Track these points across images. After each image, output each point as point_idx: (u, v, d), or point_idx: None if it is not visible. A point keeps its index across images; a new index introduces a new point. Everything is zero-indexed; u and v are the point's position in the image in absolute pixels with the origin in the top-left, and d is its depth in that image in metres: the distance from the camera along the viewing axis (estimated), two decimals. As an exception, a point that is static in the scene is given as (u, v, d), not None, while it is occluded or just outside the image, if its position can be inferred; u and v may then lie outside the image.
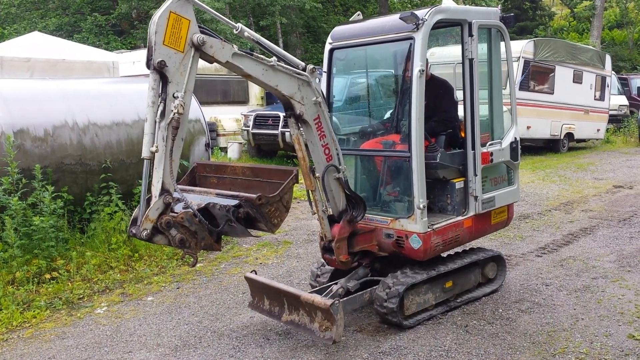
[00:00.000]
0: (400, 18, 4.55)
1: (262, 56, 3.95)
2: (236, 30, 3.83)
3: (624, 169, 13.38)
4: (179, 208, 3.68)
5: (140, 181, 7.13)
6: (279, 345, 4.51)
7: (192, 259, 3.70)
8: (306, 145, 4.37)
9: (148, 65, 3.45)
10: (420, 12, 4.54)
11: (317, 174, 4.40)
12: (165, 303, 5.52)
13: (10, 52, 11.69)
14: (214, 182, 4.62)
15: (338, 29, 5.34)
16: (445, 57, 5.50)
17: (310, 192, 4.48)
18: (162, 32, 3.43)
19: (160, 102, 3.45)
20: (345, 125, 5.82)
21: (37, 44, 12.53)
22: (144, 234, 3.45)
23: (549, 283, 5.74)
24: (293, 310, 4.50)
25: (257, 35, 4.00)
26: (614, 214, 8.75)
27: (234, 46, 3.75)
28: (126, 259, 6.53)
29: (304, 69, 4.18)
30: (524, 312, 5.02)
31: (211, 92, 15.09)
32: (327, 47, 5.34)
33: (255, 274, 4.95)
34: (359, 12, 5.52)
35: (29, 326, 5.07)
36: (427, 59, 4.81)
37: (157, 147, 3.42)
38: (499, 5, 5.45)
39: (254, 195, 3.67)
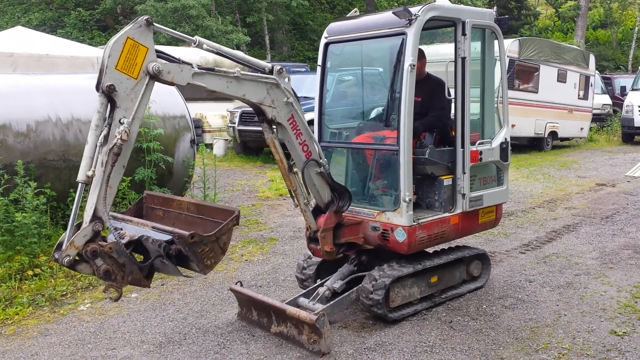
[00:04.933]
0: (393, 13, 4.60)
1: (224, 69, 3.85)
2: (194, 44, 3.70)
3: (606, 167, 13.53)
4: (111, 238, 3.42)
5: (123, 177, 7.11)
6: (264, 341, 4.50)
7: (116, 294, 3.38)
8: (283, 146, 4.34)
9: (97, 88, 3.32)
10: (413, 9, 4.58)
11: (295, 169, 4.42)
12: (149, 300, 5.49)
13: (-7, 47, 11.52)
14: (159, 215, 4.40)
15: (334, 24, 5.38)
16: (432, 55, 5.51)
17: (292, 190, 4.50)
18: (116, 57, 3.31)
19: (105, 126, 3.31)
20: (338, 119, 5.83)
21: (20, 39, 12.35)
22: (66, 260, 3.20)
23: (532, 279, 5.79)
24: (281, 322, 4.52)
25: (216, 45, 3.89)
26: (597, 211, 8.85)
27: (194, 65, 3.63)
28: (110, 256, 6.47)
29: (271, 71, 4.09)
30: (508, 308, 5.06)
31: (197, 88, 15.03)
32: (323, 41, 5.36)
33: (241, 285, 4.95)
34: (355, 9, 5.57)
35: (11, 323, 5.02)
36: (424, 56, 4.84)
37: (94, 171, 3.27)
38: (494, 7, 5.50)
39: (187, 233, 3.42)
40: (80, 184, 3.32)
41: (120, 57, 3.33)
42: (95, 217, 3.28)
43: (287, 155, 4.41)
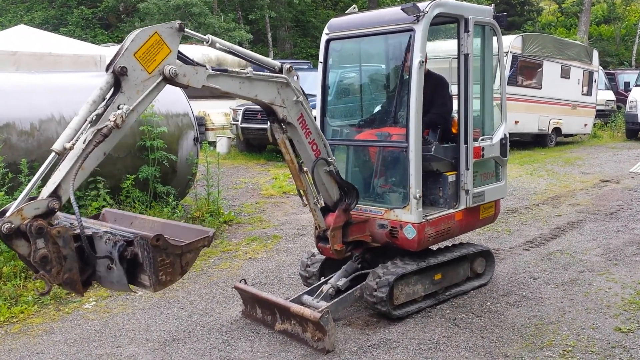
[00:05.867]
0: (401, 9, 4.60)
1: (236, 70, 3.82)
2: (206, 43, 3.68)
3: (610, 163, 13.50)
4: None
5: (127, 176, 7.13)
6: (269, 339, 4.51)
7: (45, 287, 2.95)
8: (292, 146, 4.34)
9: (107, 68, 3.21)
10: (421, 5, 4.58)
11: (305, 168, 4.41)
12: (154, 298, 5.50)
13: (-4, 46, 11.54)
14: None
15: (335, 20, 5.35)
16: (433, 52, 5.51)
17: (302, 190, 4.50)
18: (138, 44, 3.24)
19: (102, 107, 3.14)
20: (340, 116, 5.83)
21: (23, 38, 12.38)
22: (6, 227, 2.80)
23: (536, 276, 5.78)
24: (285, 320, 4.53)
25: (228, 44, 3.88)
26: (601, 208, 8.83)
27: (208, 67, 3.60)
28: (114, 254, 6.48)
29: (281, 70, 4.08)
30: (512, 305, 5.06)
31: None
32: (324, 37, 5.34)
33: (245, 282, 4.96)
34: (354, 6, 5.54)
35: (17, 321, 5.03)
36: (426, 53, 4.84)
37: (73, 144, 3.02)
38: (493, 5, 5.50)
39: (152, 235, 2.99)
40: (52, 154, 3.03)
41: (143, 46, 3.27)
42: (55, 195, 2.97)
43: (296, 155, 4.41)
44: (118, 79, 3.20)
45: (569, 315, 4.84)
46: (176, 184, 8.01)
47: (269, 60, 4.16)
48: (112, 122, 3.07)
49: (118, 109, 3.14)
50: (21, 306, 5.25)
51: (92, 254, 3.00)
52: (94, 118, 3.10)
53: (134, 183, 7.18)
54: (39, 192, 3.03)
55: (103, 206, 6.72)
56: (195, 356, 4.29)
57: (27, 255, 2.90)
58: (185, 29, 3.48)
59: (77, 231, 2.94)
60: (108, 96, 3.21)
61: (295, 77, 4.15)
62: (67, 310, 5.26)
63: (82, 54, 12.38)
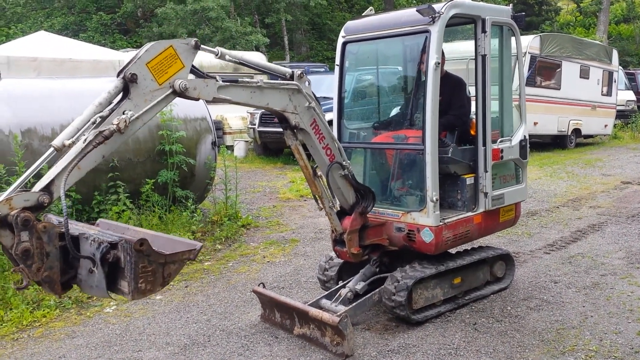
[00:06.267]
0: (417, 11, 4.59)
1: (246, 79, 3.81)
2: (216, 55, 3.68)
3: (632, 164, 13.32)
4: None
5: (147, 180, 7.20)
6: (288, 343, 4.51)
7: (24, 281, 2.86)
8: (306, 151, 4.33)
9: (119, 74, 3.23)
10: (436, 6, 4.56)
11: (319, 173, 4.42)
12: (173, 302, 5.54)
13: (17, 52, 11.74)
14: None
15: (351, 23, 5.35)
16: (450, 53, 5.48)
17: (317, 196, 4.50)
18: (151, 55, 3.26)
19: (108, 110, 3.14)
20: (357, 119, 5.82)
21: (44, 44, 12.57)
22: None
23: (557, 280, 5.72)
24: (304, 324, 4.53)
25: (238, 55, 3.88)
26: (623, 210, 8.71)
27: (218, 79, 3.59)
28: (134, 258, 6.54)
29: (292, 77, 4.06)
30: (533, 310, 5.01)
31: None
32: (340, 40, 5.34)
33: (264, 286, 4.97)
34: (371, 8, 5.53)
35: (39, 325, 5.10)
36: (444, 55, 4.83)
37: (73, 142, 3.00)
38: (511, 5, 5.47)
39: (136, 239, 2.90)
40: (50, 149, 3.03)
41: (156, 57, 3.29)
42: (47, 190, 2.93)
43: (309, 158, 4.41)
44: (127, 85, 3.21)
45: (591, 320, 4.78)
46: (195, 188, 8.06)
47: (280, 67, 4.17)
48: (115, 126, 3.06)
49: (123, 114, 3.13)
50: (43, 310, 5.31)
51: (74, 252, 2.91)
52: (97, 120, 3.09)
53: (153, 187, 7.24)
54: (33, 185, 3.00)
55: (123, 210, 6.79)
56: (215, 360, 4.31)
57: (10, 247, 2.82)
58: (202, 46, 3.48)
59: (64, 230, 2.86)
60: (115, 101, 3.22)
61: (306, 83, 4.12)
62: (88, 314, 5.32)
63: (101, 59, 12.55)
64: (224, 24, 22.49)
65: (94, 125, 3.08)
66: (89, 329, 4.99)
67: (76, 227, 3.12)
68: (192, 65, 3.49)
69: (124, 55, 13.94)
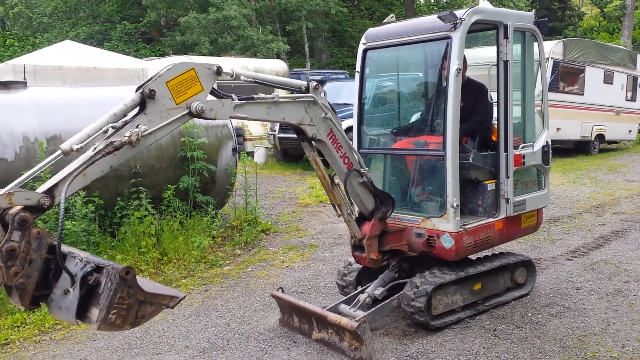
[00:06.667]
0: (438, 17, 4.59)
1: (262, 95, 3.82)
2: (231, 77, 3.68)
3: (657, 170, 13.09)
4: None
5: (169, 186, 7.28)
6: (306, 348, 4.52)
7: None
8: (324, 161, 4.35)
9: (138, 89, 3.24)
10: (458, 12, 4.56)
11: (337, 181, 4.45)
12: (193, 305, 5.59)
13: (43, 61, 11.99)
14: None
15: (372, 30, 5.38)
16: (472, 59, 5.47)
17: (336, 205, 4.52)
18: (172, 74, 3.30)
19: (121, 122, 3.14)
20: (377, 125, 5.83)
21: (69, 52, 12.82)
22: None
23: (579, 287, 5.65)
24: (322, 329, 4.54)
25: (252, 74, 3.89)
26: (647, 216, 8.56)
27: (234, 98, 3.62)
28: (155, 262, 6.62)
29: (307, 89, 4.07)
30: (554, 316, 4.95)
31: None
32: (361, 47, 5.37)
33: (282, 291, 4.99)
34: (392, 15, 5.56)
35: (61, 328, 5.18)
36: (465, 61, 4.82)
37: (81, 147, 2.98)
38: (533, 10, 5.45)
39: (122, 266, 2.77)
40: (58, 152, 3.01)
41: (177, 77, 3.32)
42: (50, 193, 2.89)
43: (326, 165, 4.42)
44: (144, 100, 3.22)
45: (614, 327, 4.70)
46: (215, 193, 8.13)
47: (294, 81, 4.18)
48: (127, 138, 3.06)
49: (136, 127, 3.14)
50: (66, 313, 5.39)
51: (62, 262, 2.77)
52: (109, 130, 3.10)
53: (174, 193, 7.32)
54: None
55: (145, 216, 6.87)
56: (234, 364, 4.34)
57: None
58: (223, 72, 3.51)
59: (55, 242, 2.78)
60: (130, 114, 3.22)
61: (322, 94, 4.13)
62: (110, 317, 5.38)
63: (126, 67, 12.76)
64: (245, 32, 22.68)
65: (106, 134, 3.08)
66: (110, 332, 5.05)
67: (67, 248, 2.98)
68: (217, 90, 3.53)
69: (148, 64, 14.16)
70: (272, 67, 17.30)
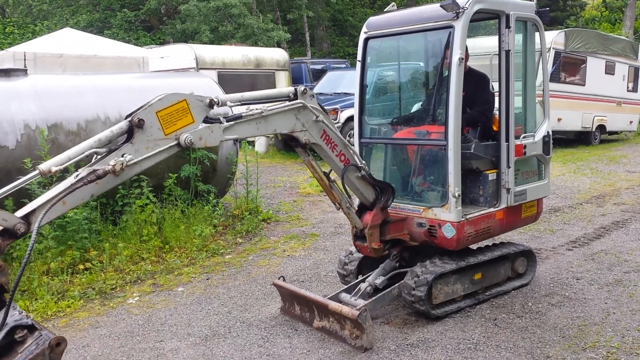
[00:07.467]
0: (440, 6, 4.56)
1: (249, 112, 3.76)
2: (217, 105, 3.57)
3: (658, 161, 13.08)
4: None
5: (170, 174, 7.28)
6: (307, 336, 4.55)
7: None
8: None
9: (127, 116, 3.20)
10: (460, 1, 4.53)
11: (333, 178, 4.47)
12: (195, 294, 5.61)
13: (43, 48, 11.96)
14: None
15: (374, 19, 5.35)
16: (473, 49, 5.45)
17: (336, 202, 4.54)
18: (163, 104, 3.26)
19: (106, 149, 3.07)
20: (379, 114, 5.82)
21: (69, 40, 12.78)
22: None
23: (579, 277, 5.67)
24: (323, 317, 4.56)
25: (237, 96, 3.82)
26: (648, 207, 8.58)
27: (223, 121, 3.57)
28: (157, 251, 6.64)
29: (295, 95, 4.02)
30: (554, 306, 4.97)
31: (239, 86, 15.21)
32: (362, 36, 5.34)
33: (284, 280, 5.01)
34: (393, 3, 5.52)
35: (64, 315, 5.20)
36: (467, 50, 4.81)
37: (59, 171, 2.84)
38: (535, 0, 5.43)
39: (55, 336, 2.58)
40: (35, 172, 2.88)
41: (167, 108, 3.28)
42: (26, 219, 2.78)
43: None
44: (132, 128, 3.16)
45: (613, 317, 4.73)
46: (216, 182, 8.13)
47: (281, 90, 4.15)
48: (110, 167, 2.99)
49: (122, 156, 3.06)
50: (68, 301, 5.42)
51: (12, 297, 2.61)
52: (93, 157, 3.02)
53: (176, 182, 7.33)
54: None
55: (146, 204, 6.88)
56: (235, 351, 4.36)
57: None
58: (216, 106, 3.48)
59: (9, 284, 2.67)
60: (116, 142, 3.14)
61: (311, 97, 4.07)
62: (111, 305, 5.41)
63: (126, 55, 12.72)
64: (246, 20, 22.59)
65: (88, 160, 2.99)
66: (112, 319, 5.08)
67: (18, 309, 2.77)
68: (212, 118, 3.49)
69: (148, 52, 14.11)
70: (273, 56, 17.23)
